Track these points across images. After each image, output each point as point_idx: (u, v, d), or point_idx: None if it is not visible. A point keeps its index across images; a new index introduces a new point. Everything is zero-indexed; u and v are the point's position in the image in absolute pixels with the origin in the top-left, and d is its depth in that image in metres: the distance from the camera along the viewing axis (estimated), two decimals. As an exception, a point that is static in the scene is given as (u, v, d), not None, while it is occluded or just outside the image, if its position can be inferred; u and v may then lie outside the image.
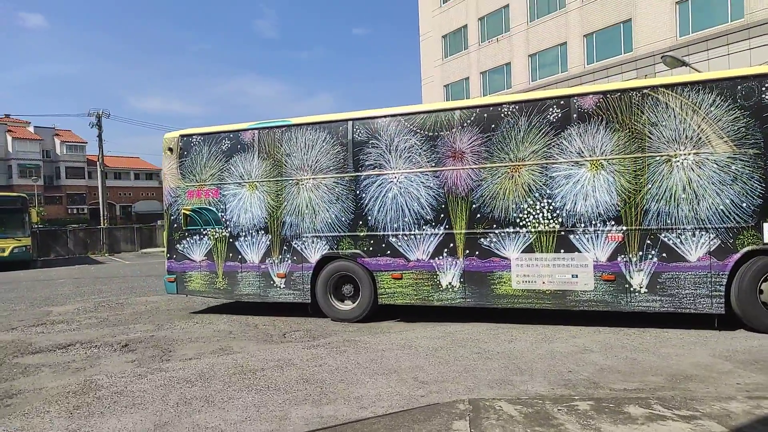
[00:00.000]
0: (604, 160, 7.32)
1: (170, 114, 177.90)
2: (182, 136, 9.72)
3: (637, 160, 7.17)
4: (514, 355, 6.30)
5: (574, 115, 7.45)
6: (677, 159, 7.02)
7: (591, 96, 7.39)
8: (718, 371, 5.42)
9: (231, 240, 9.33)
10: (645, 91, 7.17)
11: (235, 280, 9.33)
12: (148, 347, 7.45)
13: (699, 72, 16.55)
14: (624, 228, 7.23)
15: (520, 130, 7.69)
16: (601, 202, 7.31)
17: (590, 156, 7.38)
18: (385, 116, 8.44)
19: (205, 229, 9.52)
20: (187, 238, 9.66)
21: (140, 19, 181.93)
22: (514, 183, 7.72)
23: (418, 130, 8.23)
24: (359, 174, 8.57)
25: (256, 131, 9.22)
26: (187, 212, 9.64)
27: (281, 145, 9.05)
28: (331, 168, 8.75)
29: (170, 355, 6.94)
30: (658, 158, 7.09)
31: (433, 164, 8.13)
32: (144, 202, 73.53)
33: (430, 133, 8.15)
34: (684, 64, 13.93)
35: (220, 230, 9.40)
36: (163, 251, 10.36)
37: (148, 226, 38.79)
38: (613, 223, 7.27)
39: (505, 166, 7.75)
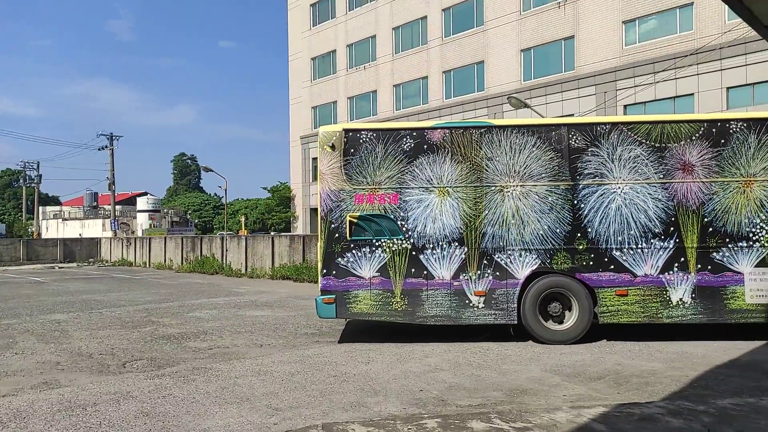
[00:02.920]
0: None
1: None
2: (347, 131, 8.30)
3: None
4: (370, 376, 6.38)
5: None
6: None
7: None
8: (549, 384, 5.99)
9: (414, 253, 8.09)
10: None
11: (418, 299, 8.08)
12: (-52, 385, 6.29)
13: (540, 115, 18.60)
14: None
15: (750, 147, 7.90)
16: None
17: None
18: (605, 123, 8.18)
19: (378, 240, 8.10)
20: (353, 251, 8.13)
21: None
22: (746, 198, 7.88)
23: (644, 141, 8.03)
24: (577, 183, 8.08)
25: (448, 131, 8.24)
26: (354, 220, 8.13)
27: (480, 148, 8.17)
28: (544, 175, 8.11)
29: (-22, 393, 5.93)
30: None
31: (662, 176, 7.99)
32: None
33: (657, 144, 8.01)
34: (526, 105, 15.56)
35: (400, 241, 8.07)
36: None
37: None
38: None
39: (737, 181, 7.88)
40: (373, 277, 8.12)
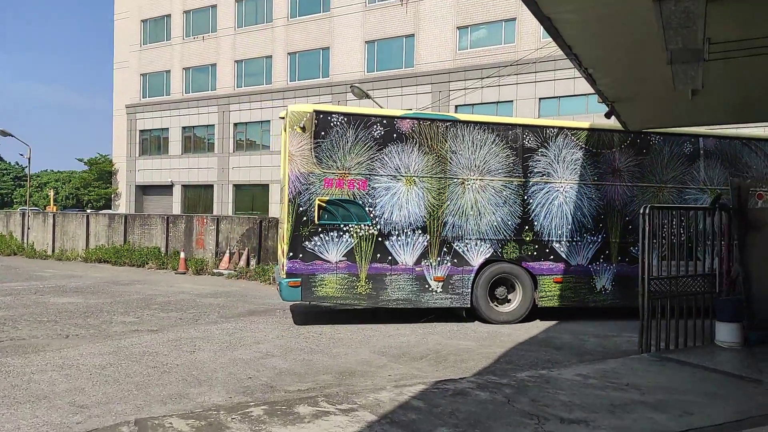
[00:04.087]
0: (717, 188, 9.34)
1: None
2: (318, 113, 8.22)
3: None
4: (195, 366, 6.03)
5: (702, 152, 9.42)
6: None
7: (713, 138, 9.54)
8: (376, 365, 6.24)
9: (380, 239, 8.27)
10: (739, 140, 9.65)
11: (382, 284, 8.31)
12: None
13: (380, 106, 19.24)
14: None
15: (664, 158, 9.23)
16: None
17: (710, 185, 9.41)
18: (554, 127, 8.99)
19: (346, 225, 8.18)
20: (321, 235, 8.14)
21: None
22: (658, 201, 9.06)
23: (584, 145, 8.98)
24: (528, 180, 8.80)
25: (416, 121, 8.51)
26: (323, 204, 8.14)
27: (446, 141, 8.56)
28: (500, 171, 8.72)
29: None
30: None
31: (596, 178, 9.03)
32: None
33: (593, 150, 9.04)
34: (368, 96, 15.96)
35: (367, 227, 8.22)
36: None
37: None
38: None
39: (653, 187, 9.17)
40: (340, 261, 8.22)
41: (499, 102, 24.94)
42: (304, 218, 8.14)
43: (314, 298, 8.27)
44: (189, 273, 15.39)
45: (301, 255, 8.13)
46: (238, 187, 32.41)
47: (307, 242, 8.14)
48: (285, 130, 8.32)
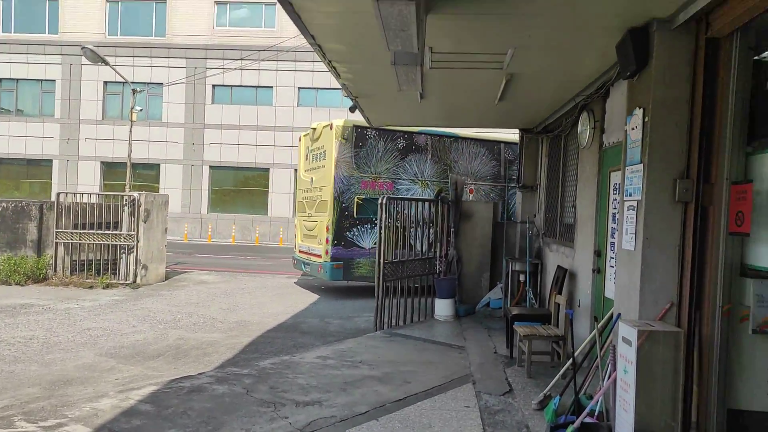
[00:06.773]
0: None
1: None
2: (357, 127, 10.05)
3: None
4: None
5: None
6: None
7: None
8: (101, 370, 5.51)
9: (402, 230, 9.53)
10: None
11: (402, 266, 9.53)
12: None
13: (122, 75, 17.08)
14: None
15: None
16: None
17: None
18: None
19: (376, 219, 8.86)
20: (358, 226, 10.13)
21: None
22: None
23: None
24: (508, 184, 11.21)
25: (429, 137, 10.76)
26: (360, 201, 10.11)
27: (450, 152, 10.98)
28: (488, 177, 11.25)
29: None
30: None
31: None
32: None
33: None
34: (105, 62, 13.97)
35: (392, 221, 9.22)
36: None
37: None
38: None
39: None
40: (372, 247, 9.98)
41: (259, 87, 24.58)
42: (346, 213, 10.05)
43: (352, 277, 10.21)
44: None
45: (342, 243, 10.05)
46: (-77, 159, 25.47)
47: (347, 232, 10.08)
48: (331, 140, 10.02)
